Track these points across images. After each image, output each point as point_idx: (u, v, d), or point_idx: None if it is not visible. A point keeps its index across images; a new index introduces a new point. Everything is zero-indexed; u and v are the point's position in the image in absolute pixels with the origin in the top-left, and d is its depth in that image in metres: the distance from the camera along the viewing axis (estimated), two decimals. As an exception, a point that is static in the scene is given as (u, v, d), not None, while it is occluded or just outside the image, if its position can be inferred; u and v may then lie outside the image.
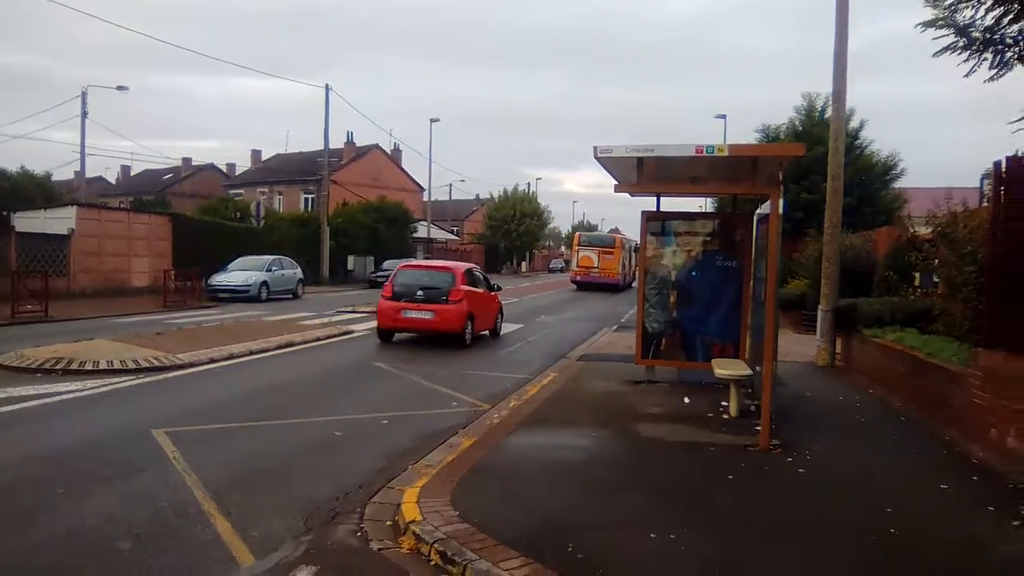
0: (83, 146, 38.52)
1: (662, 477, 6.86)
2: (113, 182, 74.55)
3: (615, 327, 21.52)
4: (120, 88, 38.15)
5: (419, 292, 16.10)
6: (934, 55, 10.48)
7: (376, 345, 16.09)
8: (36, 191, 44.55)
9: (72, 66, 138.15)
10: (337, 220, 43.67)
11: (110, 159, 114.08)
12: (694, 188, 12.32)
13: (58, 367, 11.44)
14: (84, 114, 37.33)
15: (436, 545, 5.04)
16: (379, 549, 5.25)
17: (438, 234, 63.91)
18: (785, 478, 6.95)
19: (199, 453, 7.35)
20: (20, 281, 20.26)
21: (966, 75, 10.17)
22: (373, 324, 18.34)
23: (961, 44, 10.16)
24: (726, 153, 8.08)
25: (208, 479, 6.55)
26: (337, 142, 54.36)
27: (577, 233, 49.99)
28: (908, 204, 26.18)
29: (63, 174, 58.16)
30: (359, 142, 62.61)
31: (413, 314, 16.01)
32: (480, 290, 17.66)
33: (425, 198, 62.89)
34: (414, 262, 21.80)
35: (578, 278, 42.65)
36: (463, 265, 18.38)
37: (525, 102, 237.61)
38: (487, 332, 18.06)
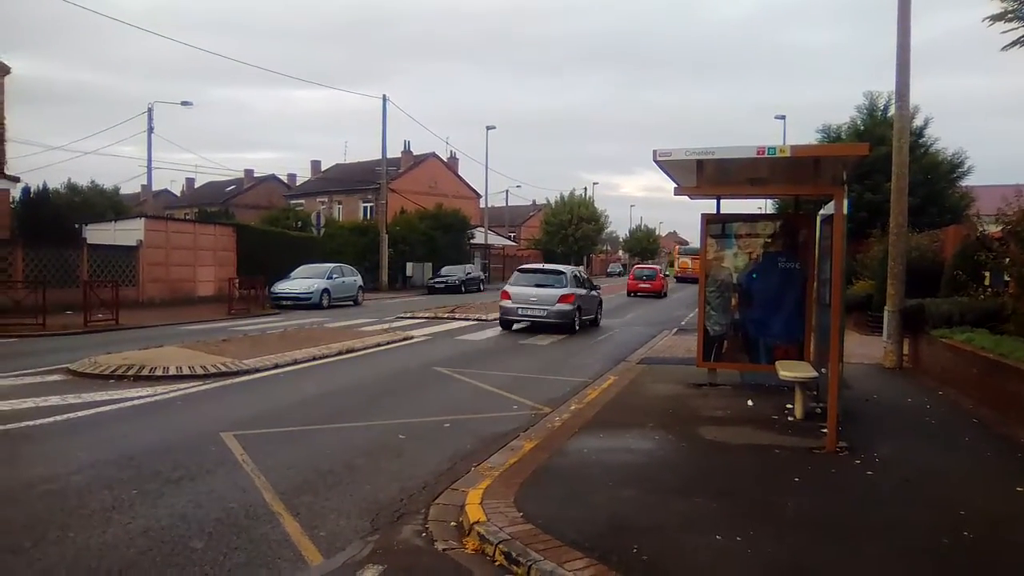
0: (150, 160, 39.63)
1: (727, 480, 6.78)
2: (178, 194, 76.77)
3: (675, 330, 21.41)
4: (185, 103, 39.02)
5: (644, 277, 40.79)
6: (1003, 49, 10.23)
7: (435, 350, 16.24)
8: (106, 204, 46.24)
9: (137, 82, 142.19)
10: (395, 228, 44.22)
11: (175, 172, 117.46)
12: (755, 190, 12.20)
13: (130, 373, 11.77)
14: (151, 129, 38.34)
15: (500, 546, 5.06)
16: (444, 549, 5.30)
17: (495, 240, 64.15)
18: (853, 480, 6.81)
19: (267, 455, 7.51)
20: (92, 291, 20.92)
21: None
22: (432, 330, 19.74)
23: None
24: (788, 154, 7.91)
25: (276, 480, 6.68)
26: (394, 151, 55.04)
27: (676, 246, 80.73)
28: (976, 203, 25.54)
29: (130, 187, 60.50)
30: (416, 151, 63.36)
31: (642, 284, 39.88)
32: (663, 276, 42.47)
33: (482, 204, 63.25)
34: (641, 264, 51.62)
35: (679, 274, 61.34)
36: (658, 266, 50.12)
37: (579, 106, 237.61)
38: (665, 294, 40.60)
